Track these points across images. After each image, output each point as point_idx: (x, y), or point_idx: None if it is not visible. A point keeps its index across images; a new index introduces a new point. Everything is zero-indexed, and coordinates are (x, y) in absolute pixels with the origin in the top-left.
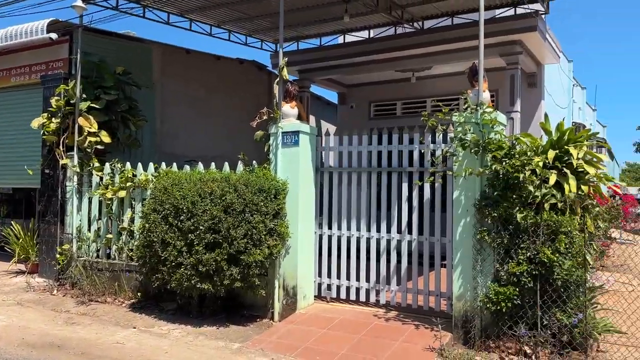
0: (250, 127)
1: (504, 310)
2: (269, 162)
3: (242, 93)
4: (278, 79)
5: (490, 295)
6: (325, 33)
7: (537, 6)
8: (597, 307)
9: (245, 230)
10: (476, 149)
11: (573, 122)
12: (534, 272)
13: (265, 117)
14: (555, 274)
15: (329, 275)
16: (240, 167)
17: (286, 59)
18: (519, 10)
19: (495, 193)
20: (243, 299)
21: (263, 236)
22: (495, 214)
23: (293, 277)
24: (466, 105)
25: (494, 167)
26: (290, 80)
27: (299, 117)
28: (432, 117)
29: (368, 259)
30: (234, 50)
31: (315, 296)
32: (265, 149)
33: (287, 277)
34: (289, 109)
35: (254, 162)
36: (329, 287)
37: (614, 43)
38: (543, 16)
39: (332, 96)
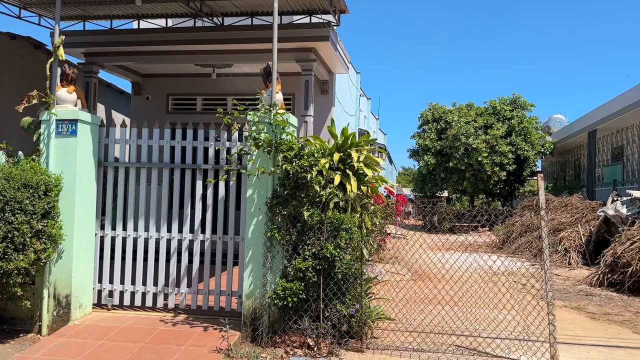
0: (22, 113)
1: (290, 305)
2: (39, 153)
3: (14, 73)
4: (52, 58)
5: (278, 292)
6: (118, 16)
7: (330, 17)
8: (372, 296)
9: (5, 233)
10: (269, 148)
11: (359, 129)
12: (318, 267)
13: (35, 101)
14: (337, 267)
15: (112, 281)
16: (1, 158)
17: (63, 37)
18: (315, 20)
19: (285, 192)
20: (2, 312)
21: (28, 239)
22: (285, 212)
23: (67, 284)
24: (260, 105)
25: (284, 166)
26: (70, 62)
27: (80, 105)
28: (229, 114)
29: (157, 261)
30: (9, 24)
31: (95, 304)
32: (35, 138)
33: (59, 285)
34: (66, 93)
35: (20, 153)
36: (110, 293)
37: (397, 60)
38: (335, 28)
39: (126, 85)
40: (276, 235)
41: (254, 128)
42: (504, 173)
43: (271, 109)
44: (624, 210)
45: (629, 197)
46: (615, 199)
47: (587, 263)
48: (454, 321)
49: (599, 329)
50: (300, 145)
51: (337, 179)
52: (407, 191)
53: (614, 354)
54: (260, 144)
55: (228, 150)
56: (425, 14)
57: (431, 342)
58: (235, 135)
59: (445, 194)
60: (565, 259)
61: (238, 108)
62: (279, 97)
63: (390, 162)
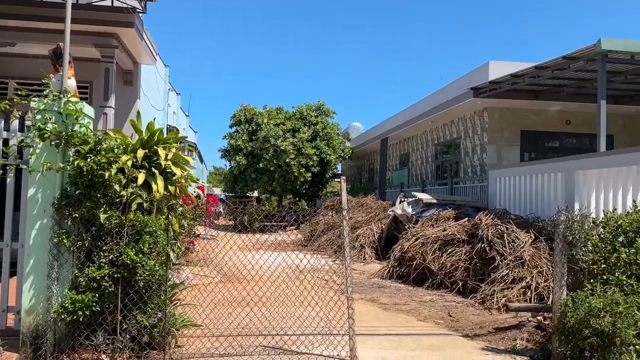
0: None
1: (81, 319)
2: None
3: None
4: None
5: (67, 305)
6: None
7: (135, 3)
8: (177, 303)
9: None
10: (57, 141)
11: (167, 125)
12: (116, 276)
13: None
14: (138, 275)
15: None
16: None
17: None
18: (118, 4)
19: (78, 192)
20: None
21: None
22: (77, 215)
23: None
24: (47, 91)
25: (77, 163)
26: None
27: None
28: (8, 100)
29: None
30: None
31: None
32: None
33: None
34: None
35: None
36: None
37: (210, 57)
38: (141, 15)
39: None
40: (65, 241)
41: (39, 117)
42: (309, 174)
43: (61, 96)
44: (409, 210)
45: (413, 198)
46: (402, 199)
47: (379, 258)
48: (261, 322)
49: (390, 318)
50: (97, 139)
51: (141, 177)
52: (217, 191)
53: (403, 341)
54: (46, 135)
55: (5, 142)
56: (237, 15)
57: (238, 345)
58: (15, 124)
59: (256, 194)
60: (361, 254)
61: (20, 93)
62: (71, 83)
63: (201, 161)
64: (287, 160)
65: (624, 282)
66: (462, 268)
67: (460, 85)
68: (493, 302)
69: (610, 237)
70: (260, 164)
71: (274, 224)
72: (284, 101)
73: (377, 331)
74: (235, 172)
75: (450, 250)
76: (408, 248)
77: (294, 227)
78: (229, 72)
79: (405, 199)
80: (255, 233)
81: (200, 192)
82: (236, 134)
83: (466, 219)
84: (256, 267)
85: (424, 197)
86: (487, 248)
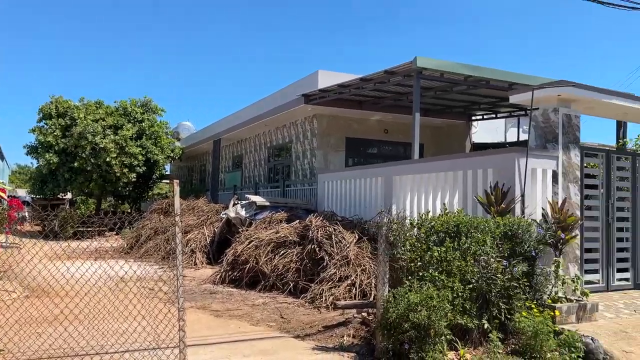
0: None
1: None
2: None
3: None
4: None
5: None
6: None
7: None
8: None
9: None
10: None
11: None
12: None
13: None
14: None
15: None
16: None
17: None
18: None
19: None
20: None
21: None
22: None
23: None
24: None
25: None
26: None
27: None
28: None
29: None
30: None
31: None
32: None
33: None
34: None
35: None
36: None
37: (11, 44)
38: None
39: None
40: None
41: None
42: (134, 175)
43: None
44: (243, 213)
45: (247, 201)
46: (235, 202)
47: (211, 262)
48: (78, 342)
49: (223, 325)
50: None
51: None
52: (22, 192)
53: (237, 348)
54: None
55: None
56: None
57: None
58: None
59: (69, 195)
60: (192, 260)
61: None
62: None
63: (1, 158)
64: (108, 159)
65: (437, 278)
66: (294, 269)
67: (292, 91)
68: (322, 301)
69: (425, 237)
70: (76, 163)
71: (91, 229)
72: (103, 95)
73: (210, 340)
74: (45, 171)
75: (282, 252)
76: (241, 251)
77: (114, 232)
78: (41, 60)
79: (239, 202)
80: (68, 239)
81: (1, 194)
82: (46, 128)
83: (298, 221)
84: (71, 279)
85: (258, 199)
86: (317, 249)
